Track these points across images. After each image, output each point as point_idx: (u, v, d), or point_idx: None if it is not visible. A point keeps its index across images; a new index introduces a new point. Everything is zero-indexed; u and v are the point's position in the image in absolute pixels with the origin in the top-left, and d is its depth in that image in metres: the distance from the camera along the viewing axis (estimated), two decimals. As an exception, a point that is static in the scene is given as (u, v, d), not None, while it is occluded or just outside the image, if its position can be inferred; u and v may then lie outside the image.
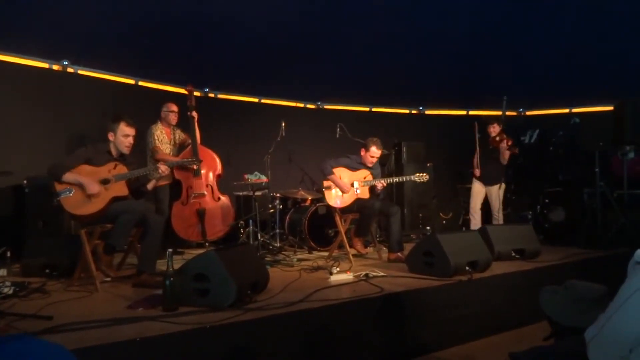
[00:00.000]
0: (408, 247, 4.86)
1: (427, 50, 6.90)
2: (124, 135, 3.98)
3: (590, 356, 1.49)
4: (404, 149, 7.37)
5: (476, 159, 6.35)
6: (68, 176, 3.75)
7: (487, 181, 6.34)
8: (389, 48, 6.84)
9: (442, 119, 9.20)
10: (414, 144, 7.52)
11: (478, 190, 6.40)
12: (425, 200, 7.33)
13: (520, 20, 6.22)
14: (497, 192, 6.27)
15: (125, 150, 4.02)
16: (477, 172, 6.33)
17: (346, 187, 5.08)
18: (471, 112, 9.06)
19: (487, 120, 6.36)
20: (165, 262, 3.08)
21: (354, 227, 5.42)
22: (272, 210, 6.11)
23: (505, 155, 6.15)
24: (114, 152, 4.02)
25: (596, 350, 1.48)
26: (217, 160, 5.42)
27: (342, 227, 5.07)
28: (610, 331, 1.43)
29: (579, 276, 2.23)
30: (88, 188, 3.75)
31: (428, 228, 7.10)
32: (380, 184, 5.11)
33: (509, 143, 6.10)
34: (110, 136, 4.00)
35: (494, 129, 6.22)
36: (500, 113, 6.83)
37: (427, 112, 9.34)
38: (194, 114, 5.39)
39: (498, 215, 6.30)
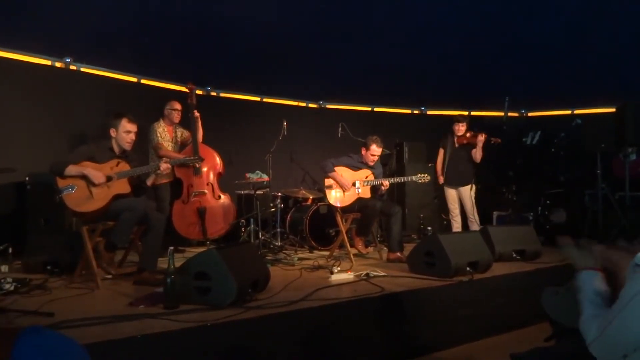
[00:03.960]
0: (409, 247, 4.86)
1: (429, 50, 6.89)
2: (125, 132, 3.98)
3: (595, 355, 1.52)
4: (406, 149, 7.38)
5: (439, 164, 6.39)
6: (71, 169, 3.74)
7: (456, 183, 6.26)
8: (390, 48, 6.83)
9: (444, 119, 9.17)
10: (416, 144, 7.53)
11: (451, 195, 6.34)
12: (426, 201, 7.33)
13: (523, 21, 6.21)
14: (468, 194, 6.18)
15: (127, 147, 4.03)
16: (442, 179, 6.35)
17: (347, 184, 5.08)
18: (473, 113, 9.05)
19: (455, 119, 6.31)
20: (166, 260, 3.09)
21: (355, 226, 5.42)
22: (273, 209, 6.11)
23: (479, 153, 6.08)
24: (116, 149, 4.03)
25: (599, 351, 1.50)
26: (218, 158, 5.43)
27: (343, 227, 5.07)
28: (612, 334, 1.45)
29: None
30: (93, 177, 3.74)
31: (429, 228, 7.10)
32: (385, 184, 5.09)
33: (484, 136, 6.03)
34: (112, 132, 3.99)
35: (460, 128, 6.19)
36: (502, 114, 6.84)
37: (429, 112, 9.34)
38: (196, 113, 5.39)
39: (474, 217, 6.20)
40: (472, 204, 6.19)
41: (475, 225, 6.13)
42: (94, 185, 3.77)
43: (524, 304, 3.84)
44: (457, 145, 6.26)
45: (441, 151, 6.46)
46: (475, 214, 6.21)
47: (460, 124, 6.21)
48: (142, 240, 4.01)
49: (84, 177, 3.76)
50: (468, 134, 6.15)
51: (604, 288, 1.67)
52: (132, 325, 2.61)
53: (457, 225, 6.37)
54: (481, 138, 6.02)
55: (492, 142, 6.09)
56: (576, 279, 1.74)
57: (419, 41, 6.70)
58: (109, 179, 3.83)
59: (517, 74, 7.38)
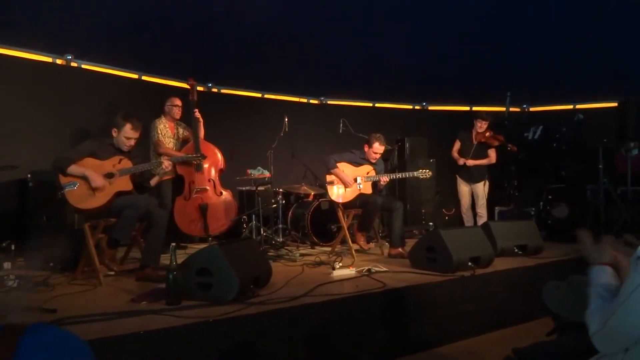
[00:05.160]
0: (410, 242, 4.86)
1: (430, 45, 6.88)
2: (126, 137, 3.98)
3: (597, 347, 1.52)
4: (407, 145, 7.35)
5: (455, 152, 6.42)
6: (73, 169, 3.75)
7: (472, 179, 6.36)
8: (392, 43, 6.82)
9: (445, 114, 9.18)
10: (417, 140, 7.51)
11: (464, 191, 6.46)
12: (427, 196, 7.32)
13: (525, 15, 6.20)
14: (482, 190, 6.33)
15: (125, 149, 4.03)
16: (462, 160, 6.32)
17: (349, 180, 5.08)
18: (474, 108, 9.03)
19: (476, 115, 6.41)
20: (168, 257, 3.09)
21: (356, 222, 5.43)
22: (274, 205, 6.11)
23: (493, 154, 6.26)
24: (116, 145, 4.03)
25: (601, 343, 1.50)
26: (220, 155, 5.42)
27: (344, 223, 5.07)
28: (613, 326, 1.45)
29: (582, 272, 2.23)
30: (92, 181, 3.75)
31: (431, 224, 7.10)
32: (383, 179, 5.11)
33: (501, 139, 6.17)
34: (114, 132, 4.00)
35: (482, 125, 6.26)
36: (504, 109, 6.85)
37: (430, 107, 9.31)
38: (198, 114, 5.39)
39: (482, 212, 6.33)
40: (484, 199, 6.33)
41: (483, 220, 6.24)
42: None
43: (526, 299, 3.84)
44: (475, 141, 6.31)
45: (457, 142, 6.50)
46: (484, 209, 6.35)
47: (483, 122, 6.27)
48: (144, 236, 4.02)
49: (85, 177, 3.77)
50: (487, 133, 6.22)
51: (614, 282, 1.67)
52: (135, 322, 2.62)
53: (467, 219, 6.47)
54: (498, 141, 6.18)
55: (509, 148, 6.24)
56: (588, 274, 1.75)
57: (420, 36, 6.69)
58: (111, 175, 3.84)
59: (518, 69, 7.36)
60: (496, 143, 6.24)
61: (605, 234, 5.24)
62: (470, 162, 6.26)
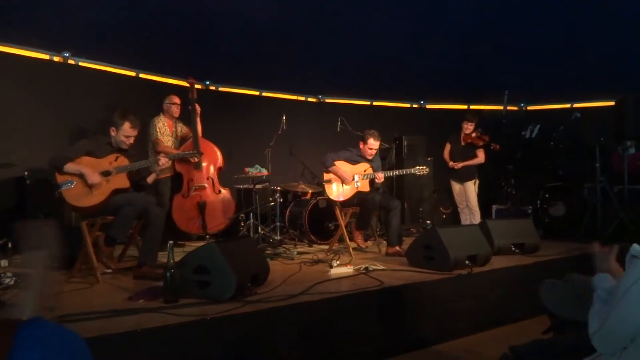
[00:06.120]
0: (408, 241, 4.87)
1: (428, 44, 6.88)
2: (125, 136, 3.98)
3: (596, 347, 1.52)
4: (405, 143, 7.35)
5: (447, 156, 6.59)
6: (69, 166, 3.75)
7: (462, 178, 6.51)
8: (390, 42, 6.82)
9: (443, 113, 9.18)
10: (415, 138, 7.50)
11: (457, 190, 6.61)
12: (425, 194, 7.33)
13: (522, 14, 6.20)
14: (472, 188, 6.46)
15: (124, 147, 4.03)
16: (451, 164, 6.51)
17: (348, 176, 5.08)
18: (472, 106, 9.04)
19: (465, 117, 6.52)
20: (166, 255, 3.09)
21: (354, 220, 5.43)
22: (272, 204, 6.11)
23: (480, 154, 6.39)
24: (115, 144, 4.03)
25: (600, 343, 1.51)
26: (218, 153, 5.42)
27: (342, 221, 5.07)
28: (611, 325, 1.46)
29: (579, 270, 2.24)
30: (89, 178, 3.75)
31: (428, 222, 7.11)
32: (378, 176, 5.11)
33: (486, 139, 6.32)
34: (112, 131, 3.99)
35: (468, 127, 6.41)
36: (501, 108, 6.88)
37: (428, 106, 9.32)
38: (197, 107, 5.39)
39: (475, 209, 6.45)
40: (475, 198, 6.44)
41: (477, 217, 6.33)
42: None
43: (523, 297, 3.85)
44: (463, 142, 6.44)
45: (447, 145, 6.66)
46: (477, 208, 6.46)
47: (470, 123, 6.42)
48: (141, 234, 4.02)
49: (82, 175, 3.77)
50: (474, 134, 6.33)
51: (615, 284, 1.68)
52: (132, 320, 2.62)
53: (463, 217, 6.58)
54: (483, 141, 6.33)
55: (492, 147, 6.41)
56: (591, 280, 1.77)
57: (419, 35, 6.69)
58: (108, 173, 3.83)
59: (516, 67, 7.37)
60: (481, 143, 6.41)
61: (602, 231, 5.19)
62: (459, 165, 6.43)
